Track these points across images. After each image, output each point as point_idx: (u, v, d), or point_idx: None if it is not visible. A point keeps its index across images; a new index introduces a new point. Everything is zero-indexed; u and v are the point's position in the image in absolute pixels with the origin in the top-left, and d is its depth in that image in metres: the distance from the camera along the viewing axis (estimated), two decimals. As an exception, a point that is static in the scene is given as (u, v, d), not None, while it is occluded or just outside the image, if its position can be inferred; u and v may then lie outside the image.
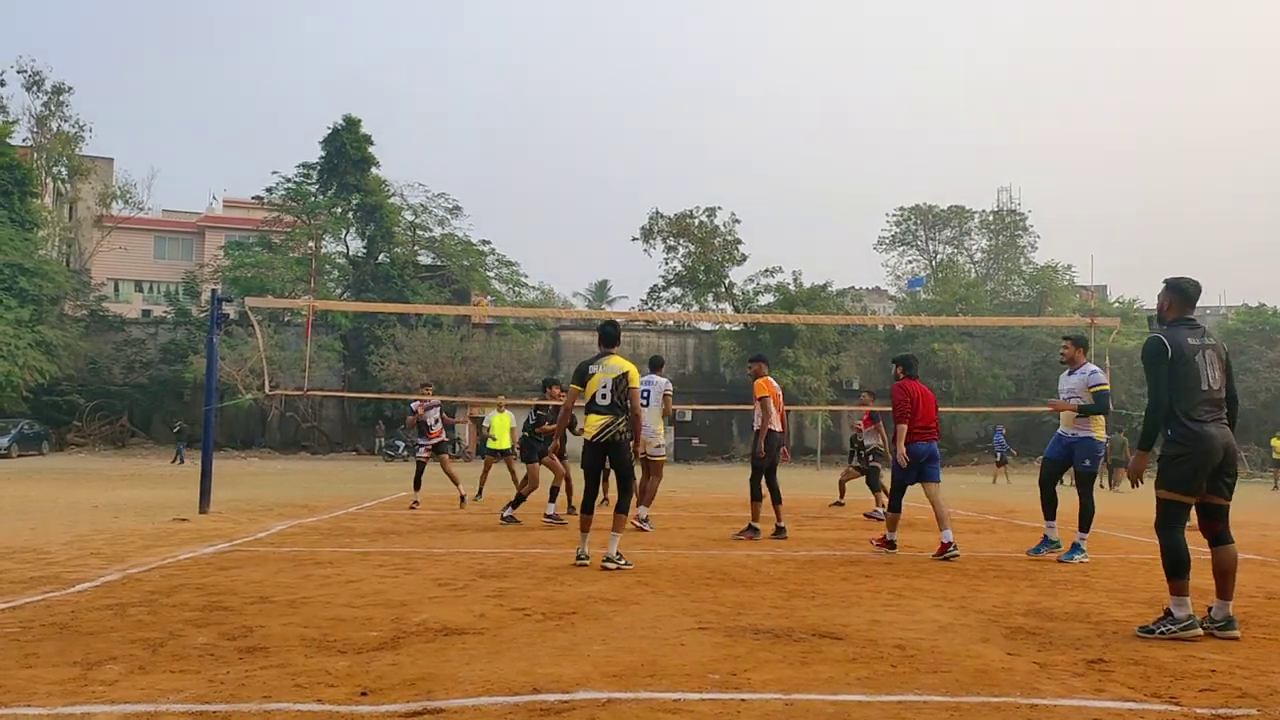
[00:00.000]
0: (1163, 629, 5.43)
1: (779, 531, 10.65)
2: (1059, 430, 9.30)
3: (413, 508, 14.17)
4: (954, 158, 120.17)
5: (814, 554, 9.38)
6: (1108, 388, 9.22)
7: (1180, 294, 5.77)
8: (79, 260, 53.47)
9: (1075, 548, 8.90)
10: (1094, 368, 9.27)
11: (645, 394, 11.26)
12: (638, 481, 11.09)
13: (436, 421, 14.89)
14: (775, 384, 11.15)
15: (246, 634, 5.14)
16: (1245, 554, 9.80)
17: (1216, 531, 5.60)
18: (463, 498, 14.65)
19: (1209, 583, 5.67)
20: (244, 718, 3.65)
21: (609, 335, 8.43)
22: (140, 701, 3.83)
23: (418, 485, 14.72)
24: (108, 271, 56.44)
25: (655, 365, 12.26)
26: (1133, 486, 5.87)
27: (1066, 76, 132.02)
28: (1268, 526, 13.82)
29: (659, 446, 11.62)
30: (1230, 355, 5.84)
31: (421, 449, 15.03)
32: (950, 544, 9.10)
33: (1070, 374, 9.23)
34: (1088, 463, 9.07)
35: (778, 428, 10.81)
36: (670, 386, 12.00)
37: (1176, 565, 5.48)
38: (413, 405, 15.05)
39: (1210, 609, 5.60)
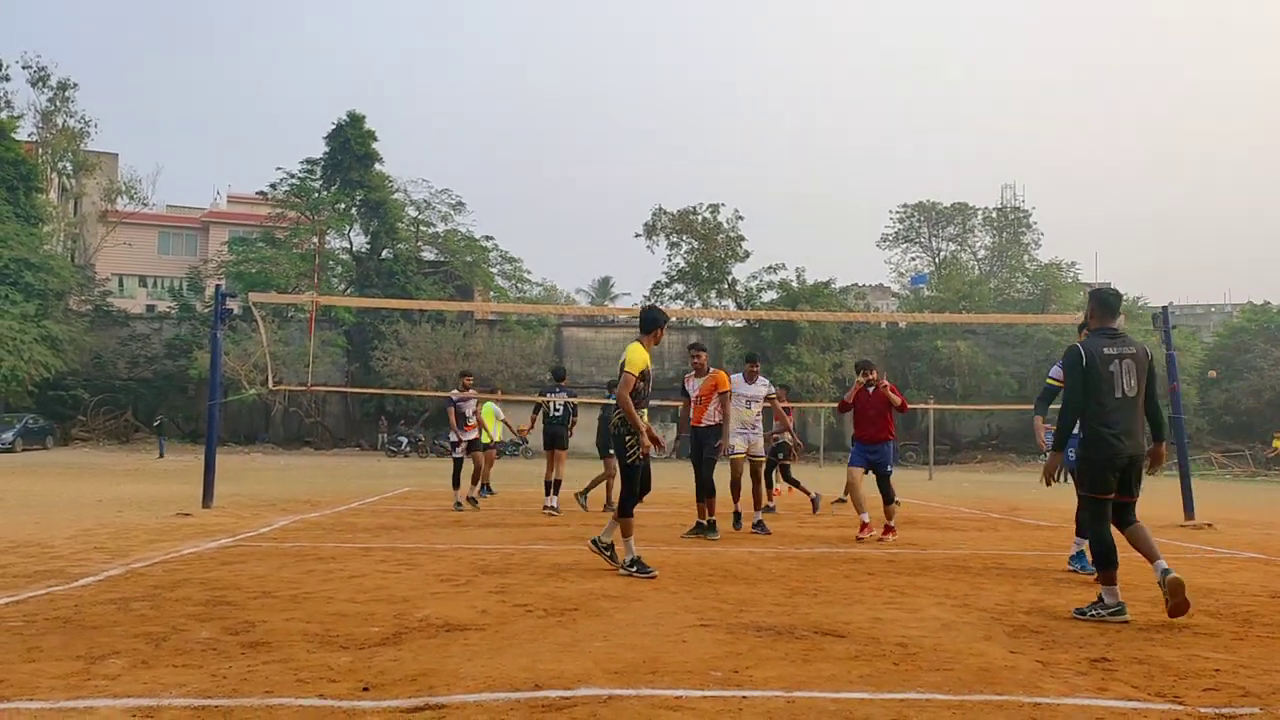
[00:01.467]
0: (1094, 612, 5.85)
1: (699, 527, 10.31)
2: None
3: (457, 508, 13.43)
4: (955, 156, 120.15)
5: (816, 551, 9.38)
6: None
7: (1101, 304, 6.22)
8: (84, 255, 53.62)
9: (1082, 555, 8.03)
10: None
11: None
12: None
13: (474, 414, 14.33)
14: None
15: (249, 629, 5.15)
16: (1249, 553, 9.81)
17: (1125, 522, 6.07)
18: (473, 499, 13.93)
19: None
20: (246, 712, 3.65)
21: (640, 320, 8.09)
22: (143, 696, 3.84)
23: (456, 484, 14.00)
24: (112, 267, 56.59)
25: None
26: (1046, 485, 6.39)
27: (1067, 77, 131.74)
28: (1272, 525, 13.78)
29: (730, 446, 10.85)
30: (1154, 363, 6.18)
31: (458, 446, 14.24)
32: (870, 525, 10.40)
33: None
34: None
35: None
36: (730, 382, 10.90)
37: (1104, 559, 5.93)
38: (451, 395, 14.52)
39: (1155, 572, 5.90)
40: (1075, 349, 6.03)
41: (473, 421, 14.29)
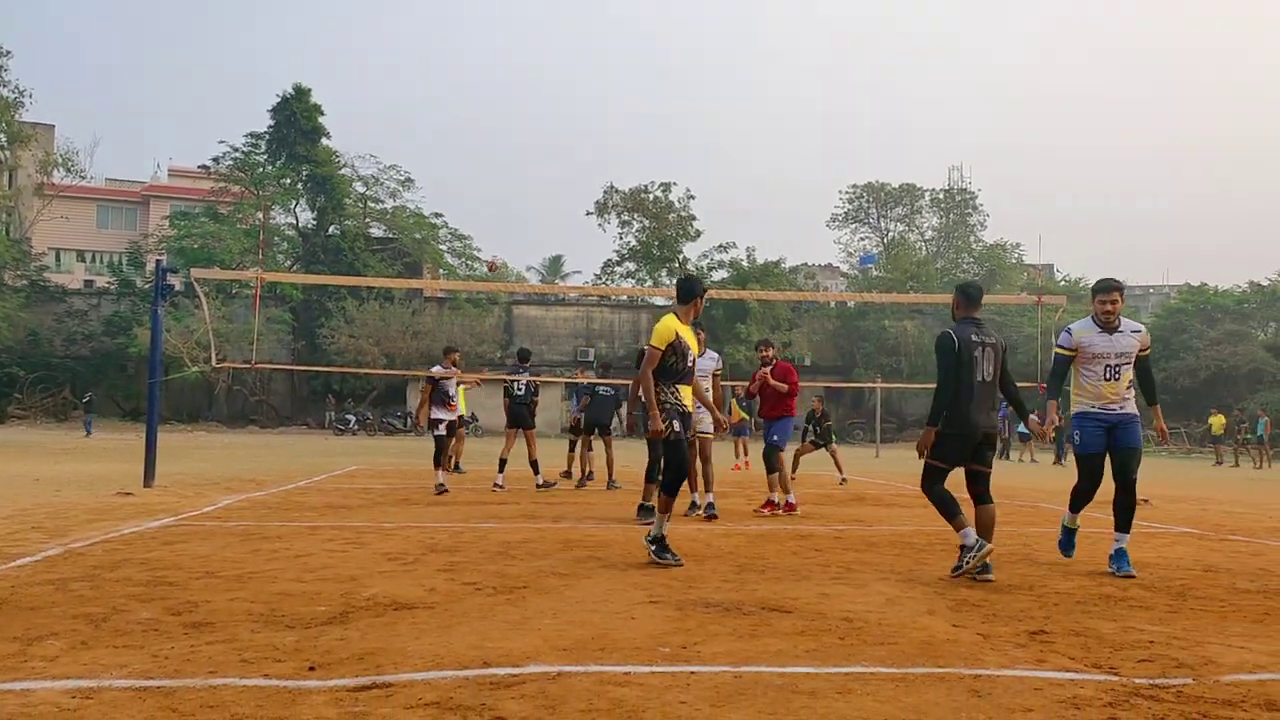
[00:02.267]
0: (965, 561, 6.34)
1: (643, 509, 9.84)
2: (1089, 409, 6.91)
3: (440, 492, 12.57)
4: (904, 139, 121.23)
5: (764, 528, 9.45)
6: None
7: (965, 296, 6.82)
8: (19, 229, 52.14)
9: (1123, 555, 6.86)
10: (1138, 324, 7.22)
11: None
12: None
13: (456, 393, 13.69)
14: None
15: (191, 609, 5.07)
16: (1184, 528, 10.07)
17: (978, 493, 6.68)
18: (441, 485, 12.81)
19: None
20: (189, 693, 3.60)
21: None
22: (82, 677, 3.77)
23: (438, 464, 12.97)
24: (49, 241, 55.15)
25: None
26: (920, 457, 6.69)
27: (1016, 62, 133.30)
28: (1207, 501, 14.15)
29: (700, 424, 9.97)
30: (1009, 350, 6.86)
31: (440, 425, 13.28)
32: (777, 505, 10.75)
33: (1112, 333, 6.96)
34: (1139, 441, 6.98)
35: None
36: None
37: (949, 510, 6.49)
38: (433, 370, 13.73)
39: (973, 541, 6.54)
40: (948, 335, 6.55)
41: (454, 401, 13.66)
